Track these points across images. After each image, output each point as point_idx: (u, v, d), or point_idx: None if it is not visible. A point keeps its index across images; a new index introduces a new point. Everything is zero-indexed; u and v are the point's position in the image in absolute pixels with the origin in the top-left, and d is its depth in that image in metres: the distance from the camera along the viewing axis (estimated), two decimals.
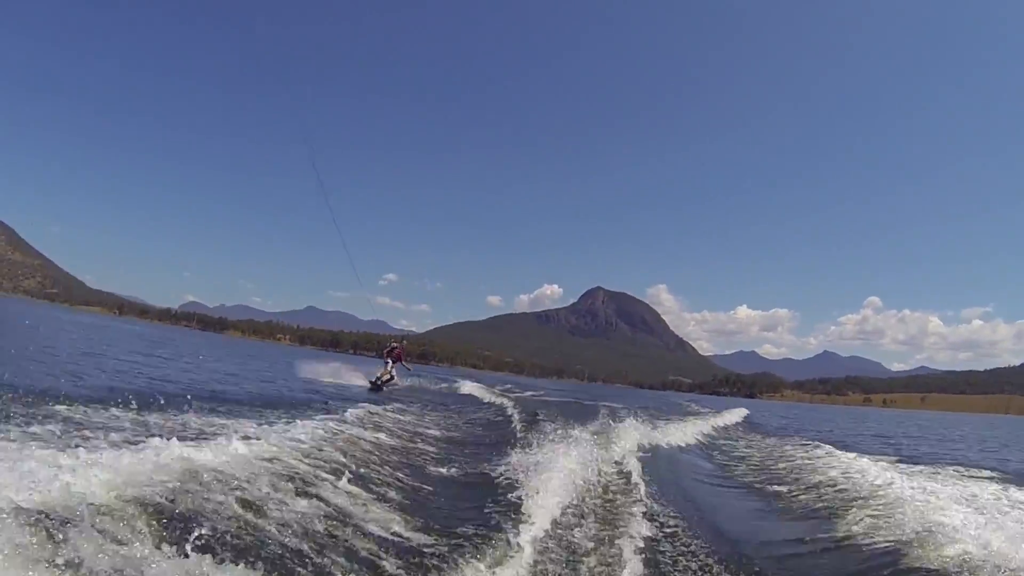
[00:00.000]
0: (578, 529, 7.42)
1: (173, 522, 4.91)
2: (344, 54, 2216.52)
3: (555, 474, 9.32)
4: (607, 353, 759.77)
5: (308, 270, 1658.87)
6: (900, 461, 17.50)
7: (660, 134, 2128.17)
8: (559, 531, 7.24)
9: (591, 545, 6.88)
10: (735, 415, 40.47)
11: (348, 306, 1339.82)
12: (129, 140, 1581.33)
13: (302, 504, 6.44)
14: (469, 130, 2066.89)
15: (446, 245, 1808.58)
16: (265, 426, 10.69)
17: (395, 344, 31.83)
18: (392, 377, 30.23)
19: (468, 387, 37.45)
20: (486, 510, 7.76)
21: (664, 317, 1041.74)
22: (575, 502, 8.51)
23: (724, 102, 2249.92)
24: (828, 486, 12.14)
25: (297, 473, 7.54)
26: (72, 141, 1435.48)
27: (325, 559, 5.25)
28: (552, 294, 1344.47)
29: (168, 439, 6.91)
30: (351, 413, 14.31)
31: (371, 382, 29.28)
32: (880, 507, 9.44)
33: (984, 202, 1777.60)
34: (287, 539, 5.42)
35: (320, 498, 6.92)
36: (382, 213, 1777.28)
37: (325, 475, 7.87)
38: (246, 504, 5.88)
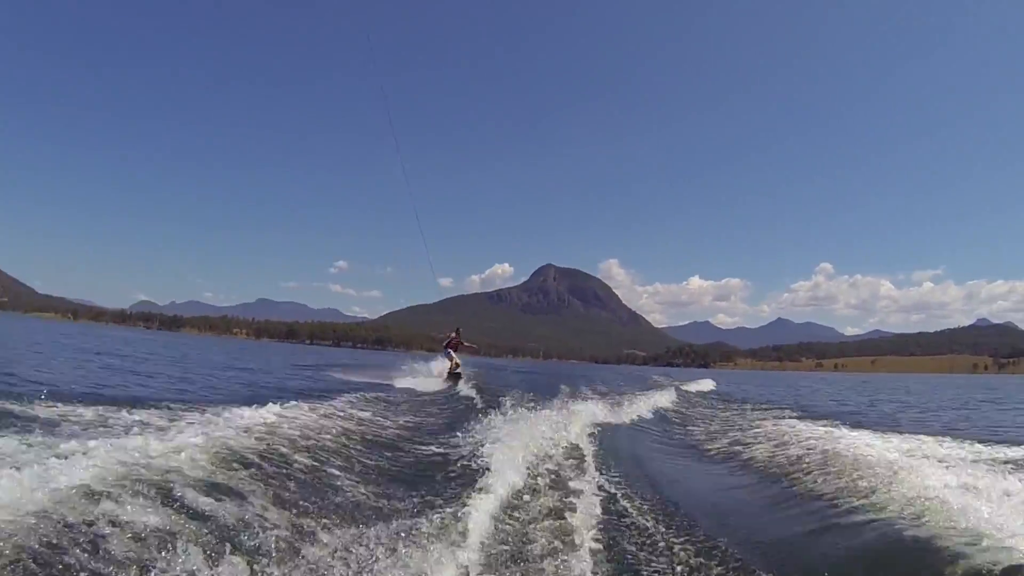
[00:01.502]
0: (534, 503, 7.47)
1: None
2: (286, 35, 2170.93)
3: (513, 450, 9.45)
4: (560, 330, 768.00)
5: (257, 262, 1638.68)
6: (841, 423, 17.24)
7: (606, 111, 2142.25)
8: (514, 507, 7.26)
9: (546, 520, 6.89)
10: (700, 385, 41.50)
11: (299, 296, 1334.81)
12: (65, 137, 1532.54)
13: (260, 486, 6.60)
14: (416, 112, 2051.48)
15: (394, 229, 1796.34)
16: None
17: (453, 335, 31.99)
18: (459, 365, 30.60)
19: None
20: (443, 487, 8.00)
21: (616, 291, 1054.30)
22: (531, 478, 8.55)
23: (672, 78, 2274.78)
24: (779, 451, 12.33)
25: (261, 453, 7.80)
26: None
27: (282, 535, 5.41)
28: (503, 273, 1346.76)
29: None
30: (320, 396, 14.77)
31: (449, 373, 29.88)
32: (828, 464, 9.78)
33: (933, 167, 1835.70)
34: (244, 514, 5.65)
35: (279, 477, 7.16)
36: (331, 199, 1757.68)
37: (289, 455, 8.17)
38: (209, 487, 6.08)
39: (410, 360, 35.67)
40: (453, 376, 29.38)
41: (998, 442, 13.06)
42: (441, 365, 31.60)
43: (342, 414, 13.12)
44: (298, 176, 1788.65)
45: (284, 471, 7.41)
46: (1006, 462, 10.55)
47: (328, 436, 10.16)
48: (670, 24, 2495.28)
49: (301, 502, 6.39)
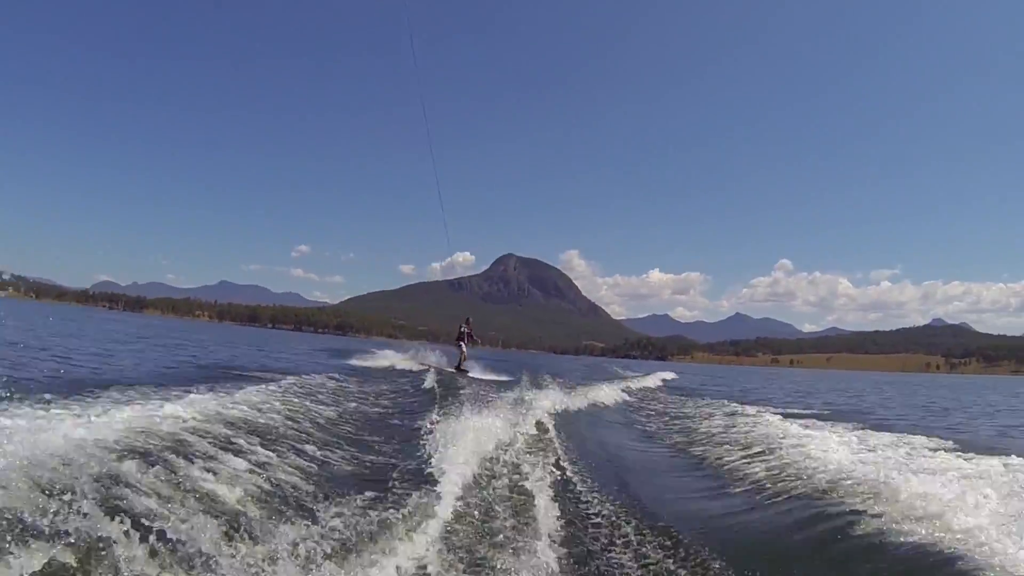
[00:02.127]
0: (494, 491, 7.57)
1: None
2: (249, 14, 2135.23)
3: (473, 438, 9.50)
4: (520, 319, 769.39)
5: (219, 244, 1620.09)
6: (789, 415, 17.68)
7: (570, 101, 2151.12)
8: (475, 495, 7.30)
9: (506, 509, 7.00)
10: (659, 378, 42.49)
11: (261, 279, 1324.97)
12: (22, 112, 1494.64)
13: (211, 476, 6.26)
14: (376, 97, 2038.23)
15: (357, 214, 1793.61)
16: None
17: (464, 327, 31.57)
18: (466, 359, 30.76)
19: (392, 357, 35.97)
20: (402, 477, 7.90)
21: (576, 282, 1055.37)
22: (492, 467, 8.66)
23: (636, 70, 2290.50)
24: (736, 442, 12.56)
25: (212, 440, 7.50)
26: None
27: (239, 524, 5.16)
28: (464, 261, 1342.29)
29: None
30: (279, 383, 14.53)
31: (456, 367, 29.82)
32: (775, 455, 10.03)
33: (892, 167, 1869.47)
34: (202, 506, 5.33)
35: (235, 468, 6.81)
36: (292, 183, 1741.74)
37: (242, 443, 7.82)
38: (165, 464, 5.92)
39: (423, 348, 36.79)
40: (460, 370, 29.17)
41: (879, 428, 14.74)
42: (440, 358, 32.07)
43: (292, 402, 12.50)
44: (261, 158, 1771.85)
45: (234, 460, 7.12)
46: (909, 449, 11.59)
47: (277, 424, 9.84)
48: (633, 15, 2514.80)
49: (253, 495, 6.16)
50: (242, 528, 5.08)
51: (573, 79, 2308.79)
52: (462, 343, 30.98)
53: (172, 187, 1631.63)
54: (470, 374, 28.55)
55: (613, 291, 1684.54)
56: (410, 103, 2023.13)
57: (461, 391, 17.60)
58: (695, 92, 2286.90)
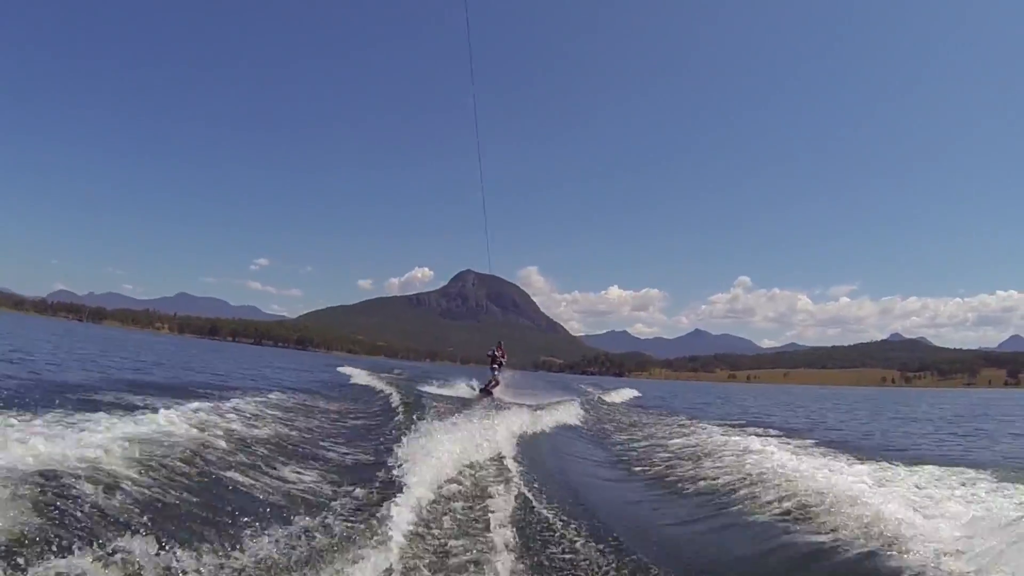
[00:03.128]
0: (454, 508, 7.74)
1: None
2: (207, 25, 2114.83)
3: (435, 457, 9.54)
4: (478, 335, 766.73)
5: (178, 255, 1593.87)
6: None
7: (528, 118, 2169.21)
8: (434, 511, 7.49)
9: (465, 525, 7.15)
10: (623, 395, 42.98)
11: (219, 291, 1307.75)
12: None
13: (178, 490, 6.71)
14: (336, 111, 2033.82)
15: (316, 228, 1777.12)
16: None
17: (497, 350, 31.40)
18: (498, 383, 30.57)
19: (355, 374, 36.59)
20: (363, 492, 8.11)
21: (535, 298, 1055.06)
22: (452, 485, 8.78)
23: (595, 86, 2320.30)
24: (689, 458, 13.08)
25: (176, 459, 7.71)
26: None
27: (205, 538, 5.43)
28: (423, 277, 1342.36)
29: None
30: (234, 401, 14.38)
31: (481, 388, 30.25)
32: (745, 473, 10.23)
33: (849, 183, 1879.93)
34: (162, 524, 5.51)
35: (206, 481, 7.33)
36: (251, 195, 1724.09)
37: (208, 460, 8.19)
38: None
39: (464, 377, 37.34)
40: (485, 391, 29.58)
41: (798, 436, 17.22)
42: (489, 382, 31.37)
43: (263, 419, 12.99)
44: (221, 169, 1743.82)
45: (199, 477, 7.48)
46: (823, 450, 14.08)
47: (242, 441, 10.05)
48: (593, 32, 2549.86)
49: (216, 508, 6.47)
50: (200, 542, 5.35)
51: (534, 95, 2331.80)
52: (495, 367, 30.96)
53: (130, 196, 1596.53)
54: (494, 396, 28.70)
55: (572, 307, 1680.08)
56: (374, 115, 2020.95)
57: (427, 409, 17.46)
58: (654, 109, 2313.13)
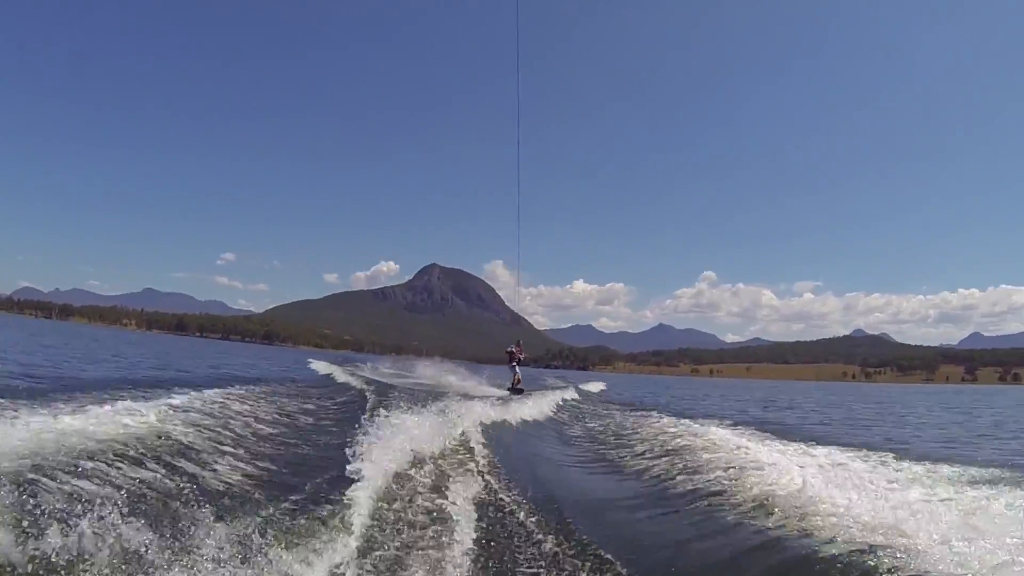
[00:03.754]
0: (413, 502, 7.64)
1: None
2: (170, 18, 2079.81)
3: (398, 448, 9.50)
4: (443, 329, 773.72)
5: (143, 250, 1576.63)
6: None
7: (490, 113, 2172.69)
8: (396, 502, 7.46)
9: (426, 517, 7.11)
10: (588, 388, 42.74)
11: (186, 286, 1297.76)
12: None
13: (129, 480, 6.57)
14: (301, 105, 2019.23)
15: (282, 222, 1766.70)
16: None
17: (515, 348, 31.76)
18: (520, 380, 30.64)
19: (324, 367, 36.74)
20: (325, 484, 8.06)
21: (500, 292, 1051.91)
22: (415, 475, 8.79)
23: (560, 80, 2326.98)
24: (658, 450, 13.06)
25: (135, 449, 7.64)
26: None
27: (162, 531, 5.22)
28: (388, 271, 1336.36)
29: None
30: (200, 394, 14.13)
31: (509, 388, 29.96)
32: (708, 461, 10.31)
33: (816, 180, 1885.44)
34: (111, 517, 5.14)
35: (165, 474, 7.15)
36: (218, 189, 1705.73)
37: (165, 453, 7.99)
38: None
39: (482, 374, 38.39)
40: (516, 390, 29.39)
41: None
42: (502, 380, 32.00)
43: (228, 412, 12.83)
44: (187, 163, 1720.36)
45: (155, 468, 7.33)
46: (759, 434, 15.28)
47: (204, 434, 9.86)
48: (555, 25, 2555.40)
49: (175, 501, 6.27)
50: (159, 532, 5.19)
51: (499, 88, 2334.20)
52: (515, 364, 31.11)
53: (95, 191, 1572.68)
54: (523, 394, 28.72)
55: (537, 301, 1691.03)
56: (340, 109, 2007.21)
57: (390, 401, 17.25)
58: (619, 105, 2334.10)
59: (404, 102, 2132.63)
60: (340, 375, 31.07)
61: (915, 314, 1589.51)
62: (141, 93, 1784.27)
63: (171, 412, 10.50)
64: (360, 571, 5.56)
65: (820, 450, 12.65)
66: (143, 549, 4.82)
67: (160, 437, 8.64)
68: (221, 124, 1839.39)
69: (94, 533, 4.73)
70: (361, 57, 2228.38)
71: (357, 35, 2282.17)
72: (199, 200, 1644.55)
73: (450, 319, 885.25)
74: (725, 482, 9.26)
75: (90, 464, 6.63)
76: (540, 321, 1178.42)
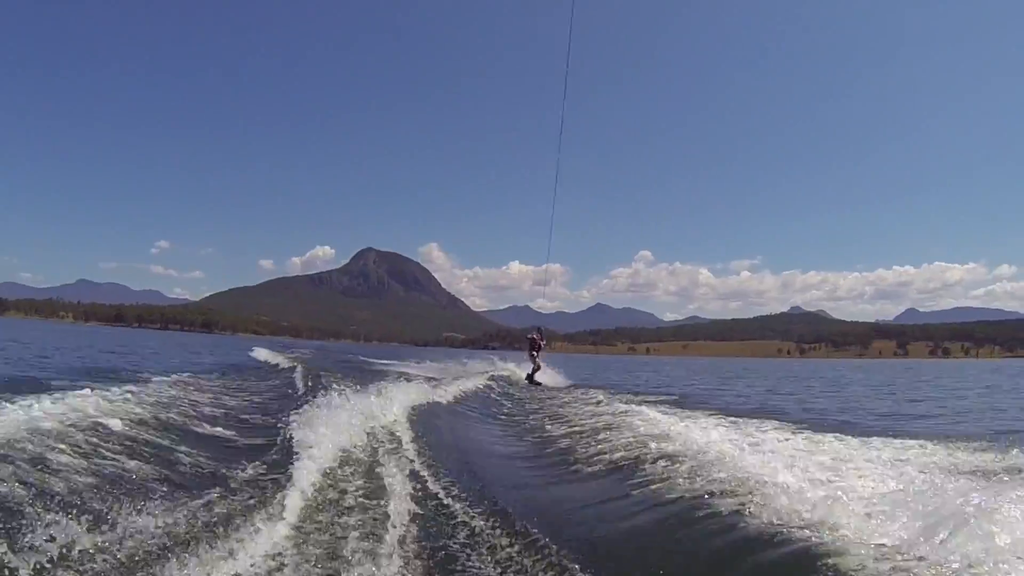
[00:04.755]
0: (348, 484, 7.66)
1: None
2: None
3: (330, 433, 9.47)
4: (380, 313, 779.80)
5: (76, 240, 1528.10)
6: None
7: (428, 93, 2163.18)
8: (329, 489, 7.41)
9: (357, 502, 7.04)
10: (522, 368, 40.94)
11: (120, 276, 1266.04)
12: None
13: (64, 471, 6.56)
14: (232, 87, 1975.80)
15: (216, 208, 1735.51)
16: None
17: (536, 336, 31.19)
18: (540, 368, 30.49)
19: (264, 354, 36.27)
20: (255, 469, 8.08)
21: (436, 275, 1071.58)
22: (347, 461, 8.69)
23: (493, 63, 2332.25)
24: (595, 434, 12.53)
25: (68, 438, 7.68)
26: None
27: (95, 520, 5.19)
28: (324, 256, 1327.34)
29: None
30: (132, 385, 13.73)
31: (528, 376, 30.23)
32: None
33: (751, 161, 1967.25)
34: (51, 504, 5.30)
35: (99, 464, 7.14)
36: (148, 177, 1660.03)
37: (99, 442, 8.01)
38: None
39: (495, 359, 38.66)
40: (533, 382, 29.40)
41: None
42: (518, 367, 32.27)
43: (154, 398, 12.73)
44: (113, 150, 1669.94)
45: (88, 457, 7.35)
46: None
47: (137, 423, 9.80)
48: (497, 13, 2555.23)
49: (107, 490, 6.26)
50: (84, 521, 5.11)
51: (433, 71, 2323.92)
52: (535, 353, 30.73)
53: (20, 181, 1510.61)
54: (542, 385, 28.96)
55: (473, 283, 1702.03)
56: (271, 92, 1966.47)
57: (325, 387, 16.72)
58: (552, 83, 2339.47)
59: (333, 83, 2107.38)
60: (283, 361, 31.52)
61: (852, 291, 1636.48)
62: (64, 78, 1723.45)
63: (102, 403, 10.24)
64: (294, 557, 5.50)
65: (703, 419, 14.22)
66: (71, 543, 4.77)
67: (97, 429, 8.55)
68: (150, 108, 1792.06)
69: (19, 531, 4.69)
70: (291, 37, 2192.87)
71: (284, 12, 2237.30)
72: (130, 188, 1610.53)
73: (387, 303, 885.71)
74: (632, 452, 9.64)
75: (22, 455, 6.61)
76: (477, 303, 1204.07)
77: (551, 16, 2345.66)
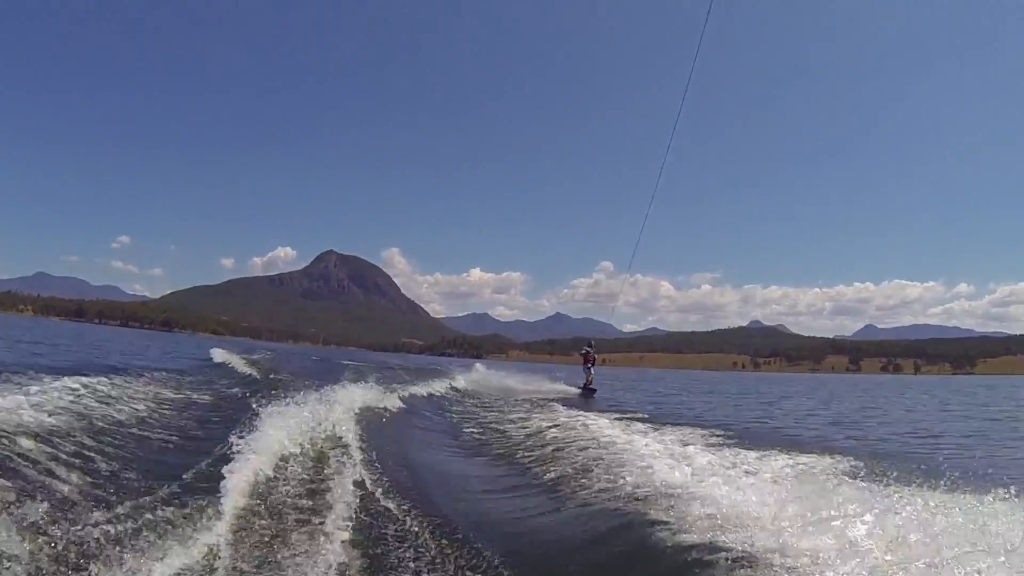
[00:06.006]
0: (288, 489, 7.67)
1: None
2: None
3: (273, 438, 9.33)
4: (340, 317, 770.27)
5: (35, 233, 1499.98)
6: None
7: (391, 99, 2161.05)
8: (269, 493, 7.40)
9: (298, 508, 7.07)
10: (474, 376, 40.17)
11: (79, 271, 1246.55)
12: None
13: None
14: (197, 84, 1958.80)
15: (179, 204, 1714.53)
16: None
17: (590, 350, 32.98)
18: (592, 380, 31.89)
19: (221, 355, 35.99)
20: (196, 475, 8.02)
21: (396, 280, 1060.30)
22: (288, 466, 8.67)
23: (461, 69, 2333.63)
24: (547, 441, 13.14)
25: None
26: None
27: (22, 527, 5.14)
28: (285, 256, 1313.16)
29: None
30: (66, 382, 13.60)
31: (582, 387, 31.78)
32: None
33: (715, 174, 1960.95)
34: None
35: (32, 469, 6.97)
36: (112, 170, 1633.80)
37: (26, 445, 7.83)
38: None
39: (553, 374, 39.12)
40: (588, 390, 31.21)
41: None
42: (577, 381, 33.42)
43: (109, 402, 12.70)
44: (76, 142, 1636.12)
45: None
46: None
47: (68, 427, 9.55)
48: (465, 15, 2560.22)
49: (37, 496, 6.05)
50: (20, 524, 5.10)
51: (398, 74, 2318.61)
52: (589, 365, 32.30)
53: None
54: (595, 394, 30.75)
55: (433, 289, 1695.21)
56: (236, 91, 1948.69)
57: (273, 389, 17.21)
58: (517, 93, 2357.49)
59: (299, 84, 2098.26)
60: (239, 363, 31.06)
61: (812, 306, 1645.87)
62: (27, 69, 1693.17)
63: (39, 402, 10.22)
64: (232, 560, 5.53)
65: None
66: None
67: (36, 436, 8.36)
68: (115, 102, 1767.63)
69: None
70: (254, 36, 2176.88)
71: (247, 12, 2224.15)
72: (92, 180, 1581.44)
73: (347, 307, 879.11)
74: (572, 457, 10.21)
75: None
76: (436, 309, 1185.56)
77: (509, 9, 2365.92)
